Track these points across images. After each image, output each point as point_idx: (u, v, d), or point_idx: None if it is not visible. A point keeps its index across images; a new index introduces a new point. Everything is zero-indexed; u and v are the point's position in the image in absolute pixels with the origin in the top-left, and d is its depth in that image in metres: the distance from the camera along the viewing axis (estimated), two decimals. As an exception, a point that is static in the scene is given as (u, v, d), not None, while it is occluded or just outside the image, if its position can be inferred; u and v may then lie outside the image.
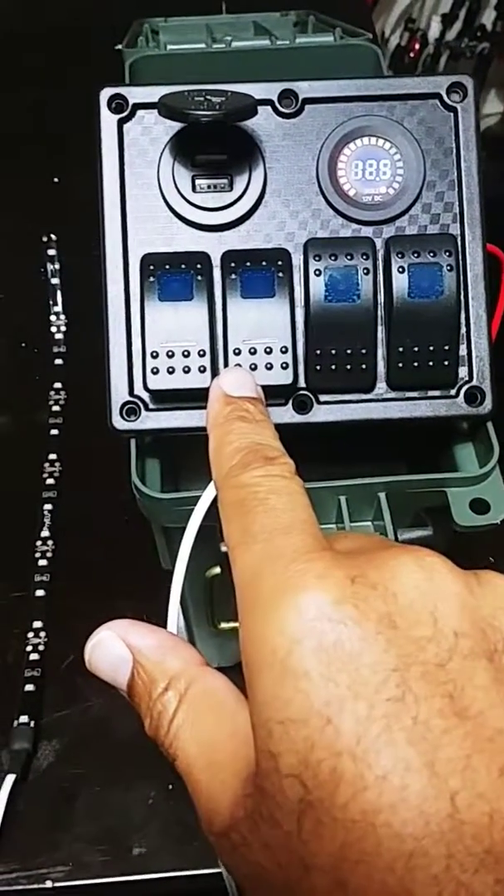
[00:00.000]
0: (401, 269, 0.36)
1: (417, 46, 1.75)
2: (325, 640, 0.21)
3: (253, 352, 0.36)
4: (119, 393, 0.38)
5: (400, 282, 0.36)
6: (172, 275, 0.37)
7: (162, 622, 0.52)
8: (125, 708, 0.49)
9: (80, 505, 0.57)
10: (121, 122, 0.37)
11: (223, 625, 0.44)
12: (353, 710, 0.20)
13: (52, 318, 0.66)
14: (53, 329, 0.65)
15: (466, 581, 0.23)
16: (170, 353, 0.36)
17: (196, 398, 0.37)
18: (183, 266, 0.37)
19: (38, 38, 0.88)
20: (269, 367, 0.37)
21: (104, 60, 0.85)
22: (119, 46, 0.90)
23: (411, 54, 1.76)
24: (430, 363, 0.37)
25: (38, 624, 0.52)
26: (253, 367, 0.36)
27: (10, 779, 0.46)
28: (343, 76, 0.50)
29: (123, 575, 0.54)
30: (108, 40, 0.86)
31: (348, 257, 0.36)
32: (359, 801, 0.19)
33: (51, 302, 0.66)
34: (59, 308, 0.66)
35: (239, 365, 0.36)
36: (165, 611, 0.53)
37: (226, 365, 0.37)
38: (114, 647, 0.26)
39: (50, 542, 0.55)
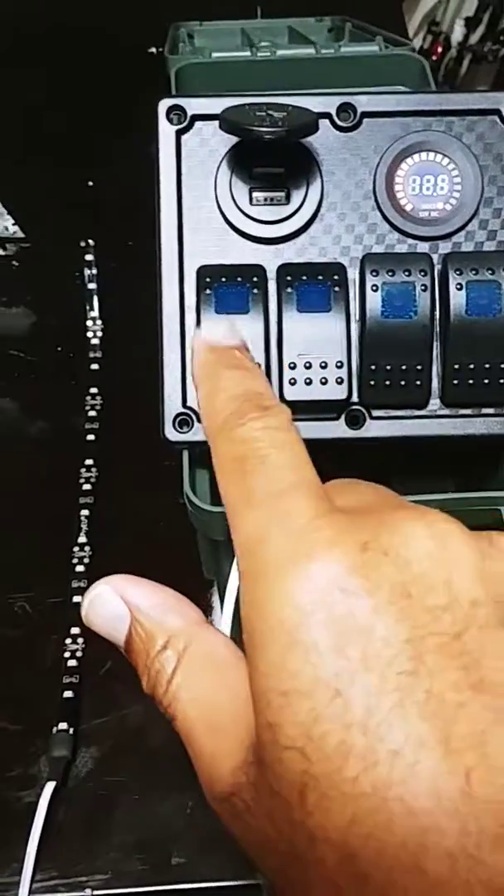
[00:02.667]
0: (458, 286, 0.36)
1: (440, 50, 1.74)
2: (335, 611, 0.20)
3: (308, 366, 0.36)
4: (173, 404, 0.38)
5: (457, 298, 0.36)
6: (229, 287, 0.37)
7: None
8: (162, 716, 0.50)
9: (117, 511, 0.57)
10: (179, 133, 0.37)
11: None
12: (364, 683, 0.19)
13: (89, 322, 0.66)
14: (90, 334, 0.65)
15: (481, 548, 0.22)
16: (224, 366, 0.36)
17: (249, 411, 0.38)
18: (239, 279, 0.37)
19: (68, 41, 0.88)
20: (324, 381, 0.37)
21: (134, 62, 0.86)
22: (153, 50, 0.91)
23: (434, 57, 1.76)
24: (486, 380, 0.37)
25: (75, 630, 0.52)
26: (307, 381, 0.36)
27: (49, 786, 0.46)
28: (399, 90, 0.50)
29: (161, 582, 0.54)
30: (138, 42, 0.87)
31: (406, 273, 0.36)
32: (370, 776, 0.19)
33: (87, 307, 0.66)
34: (95, 313, 0.66)
35: (294, 380, 0.36)
36: (206, 620, 0.53)
37: (280, 379, 0.37)
38: (111, 603, 0.26)
39: (87, 548, 0.55)
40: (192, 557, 0.49)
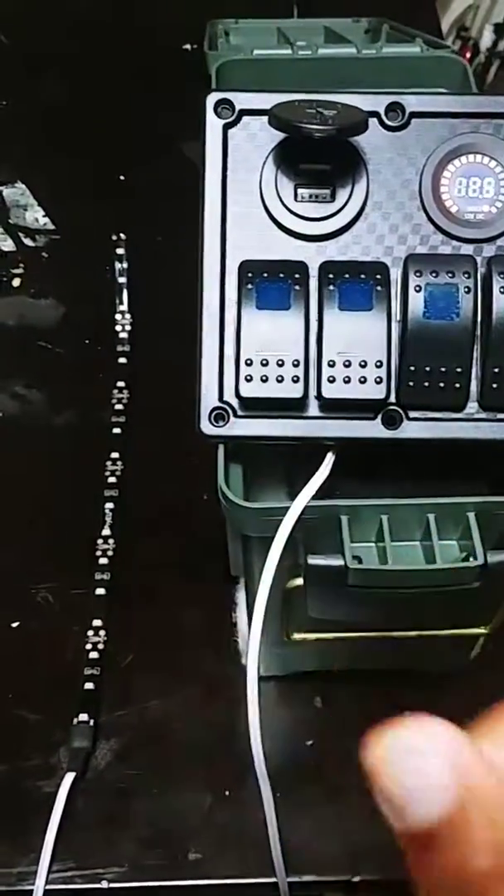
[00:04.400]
0: (502, 290, 0.36)
1: (469, 55, 1.74)
2: None
3: (347, 364, 0.36)
4: (209, 398, 0.38)
5: (500, 302, 0.36)
6: (270, 283, 0.36)
7: (223, 627, 0.53)
8: (183, 710, 0.50)
9: (142, 504, 0.57)
10: (226, 128, 0.37)
11: (296, 636, 0.43)
12: None
13: (118, 316, 0.66)
14: (118, 328, 0.65)
15: None
16: (264, 362, 0.36)
17: (286, 407, 0.37)
18: (281, 275, 0.37)
19: (101, 37, 0.88)
20: (363, 380, 0.36)
21: (170, 59, 0.86)
22: (187, 46, 0.91)
23: (463, 63, 1.75)
24: (525, 385, 0.36)
25: (97, 622, 0.52)
26: (346, 379, 0.36)
27: (69, 776, 0.46)
28: (447, 91, 0.50)
29: (184, 577, 0.54)
30: (171, 39, 0.87)
31: (449, 275, 0.36)
32: None
33: (116, 300, 0.66)
34: (124, 307, 0.66)
35: (333, 378, 0.36)
36: (229, 617, 0.53)
37: (319, 377, 0.36)
38: (434, 773, 0.18)
39: (111, 541, 0.55)
40: (217, 553, 0.49)
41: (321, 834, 0.46)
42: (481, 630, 0.42)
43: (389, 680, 0.50)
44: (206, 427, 0.38)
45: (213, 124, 0.37)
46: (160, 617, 0.53)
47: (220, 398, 0.38)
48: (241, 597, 0.53)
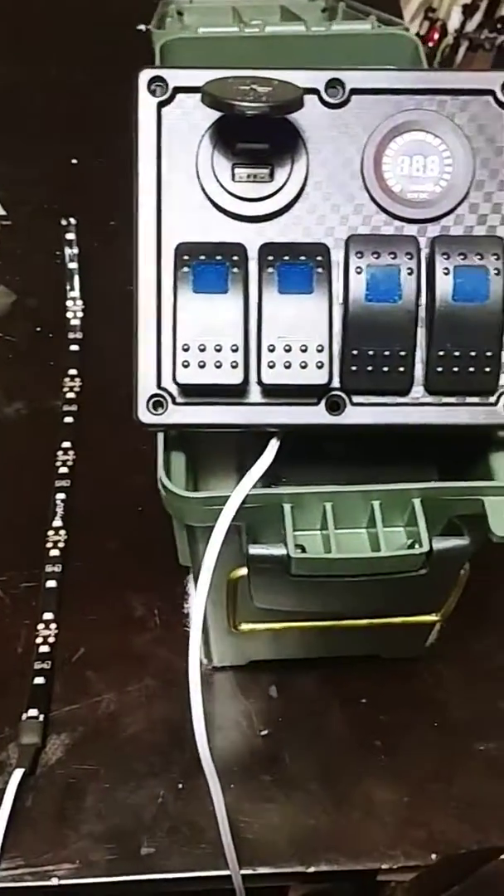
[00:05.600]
0: (445, 271, 0.35)
1: (437, 36, 1.73)
2: None
3: (288, 349, 0.35)
4: (147, 385, 0.37)
5: (444, 284, 0.35)
6: (207, 266, 0.35)
7: (175, 618, 0.52)
8: (135, 703, 0.49)
9: (94, 495, 0.56)
10: (160, 106, 0.36)
11: (244, 626, 0.43)
12: None
13: (69, 303, 0.64)
14: (69, 314, 0.64)
15: None
16: (201, 347, 0.35)
17: (226, 394, 0.37)
18: (219, 257, 0.36)
19: (55, 16, 0.86)
20: (304, 365, 0.36)
21: (123, 39, 0.84)
22: (141, 27, 0.89)
23: (430, 44, 1.74)
24: (471, 369, 0.36)
25: (48, 615, 0.51)
26: (287, 364, 0.35)
27: (18, 773, 0.45)
28: (390, 67, 0.49)
29: (137, 568, 0.53)
30: (126, 19, 0.85)
31: (391, 256, 0.35)
32: None
33: (67, 287, 0.65)
34: (75, 293, 0.64)
35: (273, 363, 0.35)
36: (181, 607, 0.52)
37: (259, 362, 0.36)
38: None
39: (62, 532, 0.54)
40: (169, 542, 0.48)
41: (275, 825, 0.45)
42: (433, 617, 0.42)
43: (345, 667, 0.50)
44: (144, 415, 0.37)
45: (147, 102, 0.36)
46: (112, 609, 0.52)
47: (159, 385, 0.37)
48: (192, 587, 0.52)
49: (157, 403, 0.37)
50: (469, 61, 1.75)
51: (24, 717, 0.47)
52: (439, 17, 1.77)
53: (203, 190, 0.36)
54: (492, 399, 0.36)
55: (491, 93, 0.36)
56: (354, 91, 0.36)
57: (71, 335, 0.63)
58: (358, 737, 0.48)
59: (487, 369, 0.36)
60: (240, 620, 0.42)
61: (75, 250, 0.65)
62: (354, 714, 0.49)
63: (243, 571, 0.37)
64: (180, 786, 0.46)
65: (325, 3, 0.76)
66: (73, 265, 0.64)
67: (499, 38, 1.71)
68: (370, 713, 0.49)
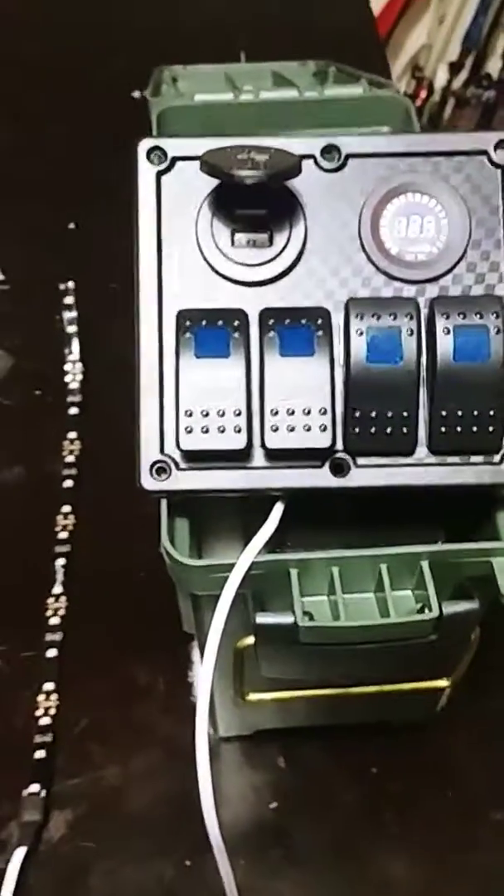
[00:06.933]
0: (446, 331, 0.35)
1: (424, 94, 1.77)
2: None
3: (291, 412, 0.35)
4: (149, 452, 0.36)
5: (445, 344, 0.35)
6: (209, 331, 0.35)
7: (180, 687, 0.51)
8: (139, 778, 0.47)
9: (95, 560, 0.55)
10: (159, 175, 0.36)
11: (251, 696, 0.42)
12: None
13: (68, 366, 0.64)
14: (69, 378, 0.64)
15: None
16: (204, 412, 0.35)
17: (230, 459, 0.36)
18: (220, 322, 0.35)
19: (55, 81, 0.88)
20: (308, 428, 0.35)
21: (119, 105, 0.85)
22: (136, 94, 0.91)
23: (417, 102, 1.78)
24: (474, 428, 0.35)
25: (49, 686, 0.50)
26: (290, 428, 0.35)
27: (20, 852, 0.44)
28: (384, 130, 0.49)
29: (140, 635, 0.52)
30: (116, 84, 0.87)
31: (391, 317, 0.35)
32: None
33: (66, 350, 0.65)
34: (75, 356, 0.64)
35: (276, 427, 0.35)
36: (186, 676, 0.51)
37: (262, 426, 0.35)
38: None
39: (63, 599, 0.53)
40: (173, 609, 0.47)
41: (287, 903, 0.44)
42: (443, 683, 0.41)
43: (354, 735, 0.48)
44: (147, 482, 0.36)
45: (146, 171, 0.36)
46: (115, 678, 0.51)
47: (162, 451, 0.36)
48: (197, 655, 0.51)
49: (160, 470, 0.36)
50: (456, 117, 1.79)
51: (25, 792, 0.46)
52: (426, 76, 1.81)
53: (203, 256, 0.36)
54: (496, 458, 0.36)
55: (485, 153, 0.36)
56: (350, 156, 0.37)
57: (70, 398, 0.63)
58: (369, 808, 0.47)
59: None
60: (247, 690, 0.41)
61: (74, 314, 0.65)
62: (365, 784, 0.47)
63: (250, 640, 0.37)
64: (188, 863, 0.45)
65: (316, 67, 0.78)
66: (72, 328, 0.65)
67: (484, 94, 1.76)
68: (381, 783, 0.48)
